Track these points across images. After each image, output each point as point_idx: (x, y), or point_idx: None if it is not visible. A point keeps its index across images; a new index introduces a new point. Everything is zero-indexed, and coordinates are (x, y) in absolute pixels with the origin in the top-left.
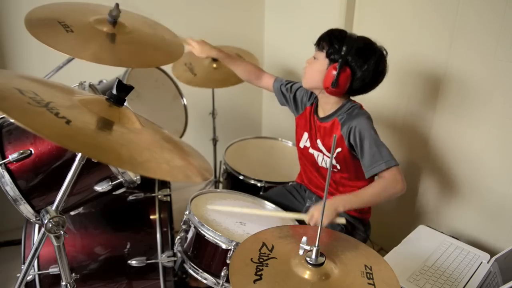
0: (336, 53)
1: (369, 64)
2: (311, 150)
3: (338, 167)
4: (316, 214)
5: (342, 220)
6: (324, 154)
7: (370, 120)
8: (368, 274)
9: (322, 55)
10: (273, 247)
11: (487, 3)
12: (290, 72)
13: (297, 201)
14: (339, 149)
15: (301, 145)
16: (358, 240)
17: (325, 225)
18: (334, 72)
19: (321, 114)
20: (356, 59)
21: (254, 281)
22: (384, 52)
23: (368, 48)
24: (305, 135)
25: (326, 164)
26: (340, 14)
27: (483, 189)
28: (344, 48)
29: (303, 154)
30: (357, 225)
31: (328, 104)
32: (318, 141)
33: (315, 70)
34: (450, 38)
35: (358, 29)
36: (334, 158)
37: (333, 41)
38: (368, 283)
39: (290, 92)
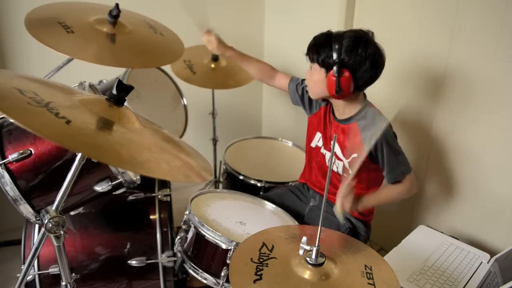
0: (328, 60)
1: (365, 56)
2: (322, 150)
3: (351, 171)
4: (342, 201)
5: (342, 219)
6: (337, 157)
7: (390, 126)
8: (368, 274)
9: (316, 65)
10: (273, 247)
11: (487, 3)
12: (290, 72)
13: (299, 200)
14: (355, 155)
15: (313, 144)
16: (358, 240)
17: (345, 212)
18: (332, 77)
19: (339, 115)
20: (350, 57)
21: (254, 281)
22: (371, 34)
23: (357, 41)
24: (318, 135)
25: (337, 167)
26: (340, 14)
27: (483, 189)
28: (333, 52)
29: (312, 154)
30: (360, 226)
31: (344, 107)
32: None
33: (315, 81)
34: (450, 38)
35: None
36: (348, 162)
37: (319, 50)
38: (368, 283)
39: (306, 91)
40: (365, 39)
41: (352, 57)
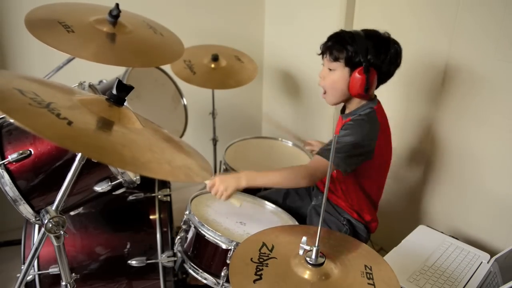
0: (355, 58)
1: (390, 56)
2: None
3: None
4: (218, 184)
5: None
6: None
7: (370, 127)
8: (368, 274)
9: (338, 65)
10: (273, 247)
11: (486, 4)
12: (290, 72)
13: (300, 200)
14: None
15: None
16: (358, 240)
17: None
18: (359, 76)
19: (347, 110)
20: (377, 57)
21: (254, 281)
22: (389, 35)
23: (382, 40)
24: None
25: None
26: (340, 14)
27: (484, 189)
28: (361, 50)
29: None
30: (360, 227)
31: (353, 103)
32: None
33: (336, 81)
34: (450, 38)
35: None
36: None
37: (346, 47)
38: (368, 283)
39: None
40: (389, 39)
41: (380, 57)
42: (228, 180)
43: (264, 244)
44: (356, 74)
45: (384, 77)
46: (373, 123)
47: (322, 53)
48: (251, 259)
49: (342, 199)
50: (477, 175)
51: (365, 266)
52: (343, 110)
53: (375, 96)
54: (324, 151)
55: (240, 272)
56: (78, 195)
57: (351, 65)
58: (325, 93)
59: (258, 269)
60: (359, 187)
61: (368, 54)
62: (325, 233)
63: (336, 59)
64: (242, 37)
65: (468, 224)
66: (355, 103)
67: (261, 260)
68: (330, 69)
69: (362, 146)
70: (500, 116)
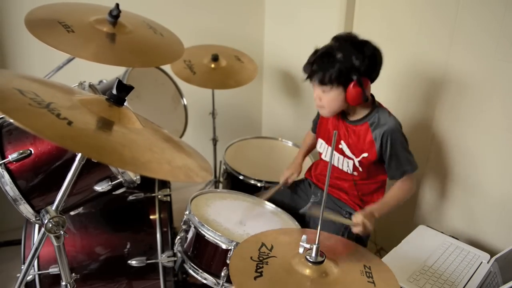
0: (345, 75)
1: (372, 57)
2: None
3: (360, 169)
4: (367, 223)
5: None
6: (345, 155)
7: (400, 125)
8: (367, 273)
9: (328, 87)
10: (272, 247)
11: (486, 4)
12: (290, 73)
13: (299, 198)
14: (365, 154)
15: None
16: (356, 244)
17: (367, 234)
18: (353, 90)
19: (351, 117)
20: (364, 65)
21: (255, 278)
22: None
23: (361, 46)
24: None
25: (348, 166)
26: (340, 14)
27: (483, 189)
28: (347, 65)
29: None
30: None
31: (357, 109)
32: (342, 142)
33: (332, 100)
34: (450, 38)
35: (358, 30)
36: (359, 161)
37: (333, 68)
38: (368, 281)
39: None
40: (361, 41)
41: (364, 62)
42: (368, 221)
43: (263, 244)
44: (351, 89)
45: (374, 79)
46: (397, 119)
47: (309, 78)
48: (251, 257)
49: (347, 193)
50: (477, 175)
51: (364, 266)
52: (344, 115)
53: (373, 97)
54: (406, 169)
55: (240, 270)
56: (78, 195)
57: (343, 82)
58: (321, 107)
59: (258, 267)
60: (381, 185)
61: (355, 66)
62: (324, 237)
63: (325, 84)
64: (242, 37)
65: (468, 224)
66: (366, 107)
67: (261, 258)
68: (324, 91)
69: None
70: (500, 116)
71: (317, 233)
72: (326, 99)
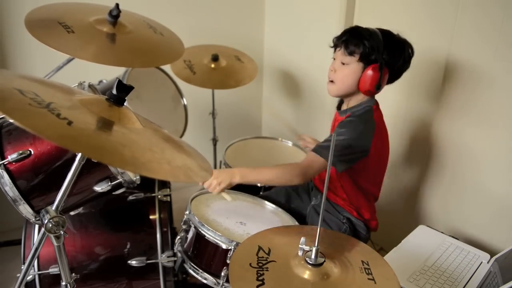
0: (371, 54)
1: (404, 57)
2: None
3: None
4: (213, 178)
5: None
6: None
7: (365, 128)
8: (366, 270)
9: (352, 59)
10: (269, 250)
11: (486, 4)
12: (290, 72)
13: (300, 200)
14: None
15: None
16: (351, 237)
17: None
18: (371, 73)
19: (344, 106)
20: (392, 56)
21: (258, 287)
22: (404, 38)
23: (397, 41)
24: None
25: None
26: (340, 14)
27: (483, 189)
28: (378, 47)
29: None
30: (360, 225)
31: (353, 100)
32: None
33: (347, 75)
34: (450, 38)
35: None
36: None
37: (364, 42)
38: (368, 279)
39: None
40: (404, 41)
41: (395, 57)
42: (222, 175)
43: (260, 248)
44: (370, 71)
45: (394, 77)
46: (368, 123)
47: (335, 46)
48: (250, 264)
49: (341, 197)
50: (477, 175)
51: (362, 262)
52: (339, 106)
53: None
54: (319, 148)
55: (242, 279)
56: (78, 195)
57: (366, 61)
58: (331, 82)
59: (259, 274)
60: (356, 185)
61: (384, 52)
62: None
63: (351, 53)
64: (242, 37)
65: (468, 224)
66: (355, 100)
67: (260, 264)
68: (343, 63)
69: (355, 147)
70: (500, 115)
71: (317, 235)
72: (342, 73)
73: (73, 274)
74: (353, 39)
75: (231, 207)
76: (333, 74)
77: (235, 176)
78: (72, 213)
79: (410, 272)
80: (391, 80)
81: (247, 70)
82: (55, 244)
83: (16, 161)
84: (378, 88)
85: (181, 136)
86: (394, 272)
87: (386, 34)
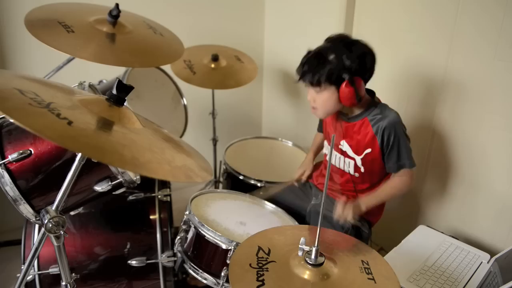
0: (336, 75)
1: (363, 56)
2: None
3: (362, 169)
4: (345, 211)
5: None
6: (347, 156)
7: (400, 118)
8: (366, 269)
9: (322, 86)
10: (269, 250)
11: (486, 5)
12: (290, 73)
13: (299, 199)
14: (368, 150)
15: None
16: (351, 237)
17: (351, 222)
18: (346, 90)
19: (349, 115)
20: (355, 64)
21: (258, 287)
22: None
23: (352, 45)
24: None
25: (348, 167)
26: (340, 14)
27: (483, 189)
28: (338, 65)
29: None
30: (363, 223)
31: (352, 109)
32: (343, 142)
33: (325, 100)
34: (450, 38)
35: (358, 30)
36: (361, 159)
37: (321, 69)
38: (368, 278)
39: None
40: (352, 41)
41: (355, 61)
42: (355, 211)
43: (260, 248)
44: (344, 88)
45: (368, 77)
46: (397, 113)
47: (301, 79)
48: (250, 264)
49: (350, 196)
50: (477, 175)
51: (362, 261)
52: (343, 114)
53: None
54: (405, 163)
55: (242, 280)
56: (78, 195)
57: (336, 82)
58: (314, 108)
59: (259, 275)
60: (373, 187)
61: (346, 65)
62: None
63: (318, 84)
64: (242, 37)
65: (468, 224)
66: (363, 103)
67: (260, 265)
68: (317, 93)
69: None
70: (500, 116)
71: (317, 235)
72: (320, 100)
73: (73, 274)
74: (312, 70)
75: (231, 207)
76: (313, 103)
77: (362, 207)
78: (72, 213)
79: (410, 272)
80: (368, 80)
81: (247, 70)
82: (55, 244)
83: (17, 160)
84: (359, 98)
85: (181, 136)
86: (394, 272)
87: (341, 45)
